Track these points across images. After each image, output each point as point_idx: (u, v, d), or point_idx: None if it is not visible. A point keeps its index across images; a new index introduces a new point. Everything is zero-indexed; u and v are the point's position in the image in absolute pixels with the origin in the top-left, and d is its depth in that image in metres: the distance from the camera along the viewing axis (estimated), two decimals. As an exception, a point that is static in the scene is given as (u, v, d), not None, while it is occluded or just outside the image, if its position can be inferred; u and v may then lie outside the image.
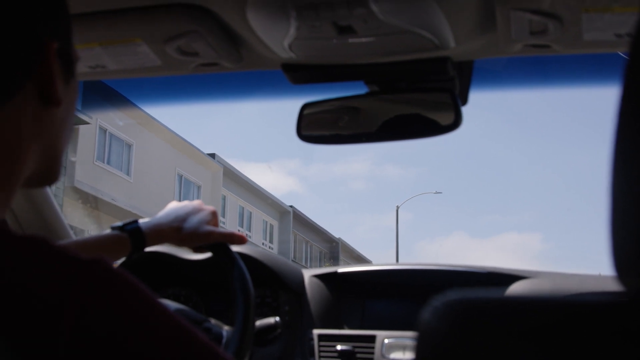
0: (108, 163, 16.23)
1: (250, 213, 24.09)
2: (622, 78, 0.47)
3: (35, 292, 0.51)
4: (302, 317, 1.72)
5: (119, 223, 1.22)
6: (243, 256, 1.34)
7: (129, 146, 17.12)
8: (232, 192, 22.23)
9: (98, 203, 14.46)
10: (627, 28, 1.03)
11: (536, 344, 0.45)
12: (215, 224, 1.28)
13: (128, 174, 17.05)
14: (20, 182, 0.64)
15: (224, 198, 21.59)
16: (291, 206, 26.44)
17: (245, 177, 23.03)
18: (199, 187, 20.28)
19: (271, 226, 25.86)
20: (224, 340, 1.22)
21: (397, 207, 23.20)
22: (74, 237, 1.59)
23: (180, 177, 19.41)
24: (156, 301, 0.55)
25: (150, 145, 17.64)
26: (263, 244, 24.07)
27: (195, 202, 1.30)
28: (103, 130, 15.99)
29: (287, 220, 26.21)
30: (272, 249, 24.02)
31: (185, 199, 19.20)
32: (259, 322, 1.48)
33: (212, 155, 20.91)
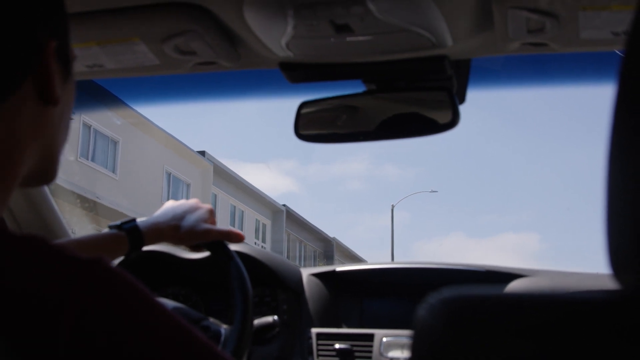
0: (92, 160, 15.77)
1: (242, 212, 23.78)
2: (617, 76, 0.47)
3: (35, 292, 0.51)
4: (300, 316, 1.73)
5: (116, 222, 1.22)
6: (242, 255, 1.34)
7: (115, 143, 16.70)
8: (223, 190, 21.91)
9: (82, 201, 14.16)
10: (624, 26, 1.03)
11: (532, 342, 0.46)
12: (213, 222, 1.28)
13: (114, 171, 16.64)
14: (18, 181, 0.64)
15: (214, 196, 21.25)
16: (284, 205, 26.18)
17: (237, 175, 22.70)
18: (188, 185, 19.94)
19: (264, 225, 25.57)
20: (222, 338, 1.23)
21: (392, 206, 23.17)
22: (72, 237, 1.59)
23: (169, 174, 19.06)
24: (155, 301, 0.55)
25: (137, 142, 17.23)
26: (255, 243, 23.67)
27: (192, 201, 1.30)
28: (87, 127, 15.54)
29: (280, 220, 25.93)
30: (264, 248, 23.72)
31: (174, 197, 18.77)
32: (257, 321, 1.48)
33: (202, 153, 20.55)
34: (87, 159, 15.62)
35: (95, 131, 15.95)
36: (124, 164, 16.86)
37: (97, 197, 14.65)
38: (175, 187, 19.33)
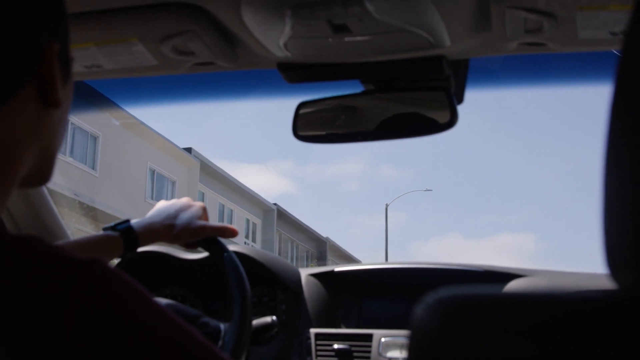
0: (71, 156, 15.08)
1: (232, 211, 23.22)
2: (614, 76, 0.47)
3: (34, 292, 0.51)
4: (299, 316, 1.73)
5: (110, 223, 1.22)
6: (240, 256, 1.34)
7: (95, 138, 16.08)
8: (211, 188, 21.34)
9: (58, 199, 13.61)
10: (622, 26, 1.03)
11: (530, 341, 0.46)
12: (206, 219, 1.29)
13: (93, 168, 16.00)
14: (17, 182, 0.64)
15: (202, 195, 20.64)
16: (275, 204, 25.63)
17: (226, 173, 22.11)
18: (173, 183, 19.33)
19: (254, 225, 25.01)
20: (222, 334, 1.22)
21: (387, 205, 23.03)
22: (71, 238, 1.59)
23: (153, 172, 18.40)
24: (154, 301, 0.55)
25: (119, 137, 16.62)
26: (245, 242, 22.91)
27: (184, 199, 1.31)
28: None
29: (271, 219, 25.39)
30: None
31: (158, 195, 18.08)
32: (256, 321, 1.48)
33: (189, 150, 19.94)
34: (65, 154, 14.76)
35: (74, 126, 15.21)
36: (104, 160, 16.19)
37: (76, 195, 14.17)
38: (159, 185, 18.69)
